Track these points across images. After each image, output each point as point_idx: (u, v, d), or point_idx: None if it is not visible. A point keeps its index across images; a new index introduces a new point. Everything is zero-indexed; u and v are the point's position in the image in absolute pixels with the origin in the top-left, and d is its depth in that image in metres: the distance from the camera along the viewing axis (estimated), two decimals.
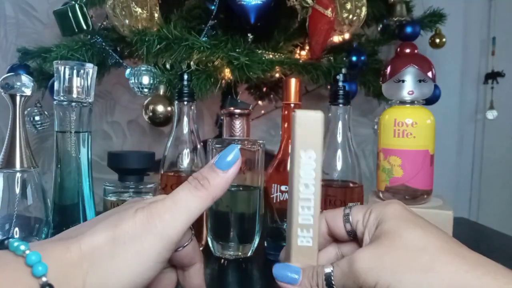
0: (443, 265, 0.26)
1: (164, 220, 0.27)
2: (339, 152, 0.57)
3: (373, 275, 0.27)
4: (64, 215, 0.52)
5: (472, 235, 0.73)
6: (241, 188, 0.57)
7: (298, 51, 0.79)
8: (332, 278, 0.29)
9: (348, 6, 0.72)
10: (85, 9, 0.68)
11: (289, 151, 0.31)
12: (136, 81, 0.66)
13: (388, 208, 0.30)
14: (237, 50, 0.66)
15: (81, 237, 0.25)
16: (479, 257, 0.27)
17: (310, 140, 0.29)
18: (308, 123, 0.29)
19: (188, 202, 0.28)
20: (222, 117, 0.60)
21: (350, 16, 0.73)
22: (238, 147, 0.30)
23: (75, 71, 0.51)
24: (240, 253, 0.57)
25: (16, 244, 0.23)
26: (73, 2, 0.68)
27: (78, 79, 0.51)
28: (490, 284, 0.25)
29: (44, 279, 0.22)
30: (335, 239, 0.34)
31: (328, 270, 0.29)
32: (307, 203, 0.30)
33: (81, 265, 0.24)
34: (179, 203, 0.28)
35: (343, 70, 0.72)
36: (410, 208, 0.31)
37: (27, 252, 0.23)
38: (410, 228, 0.28)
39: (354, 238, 0.32)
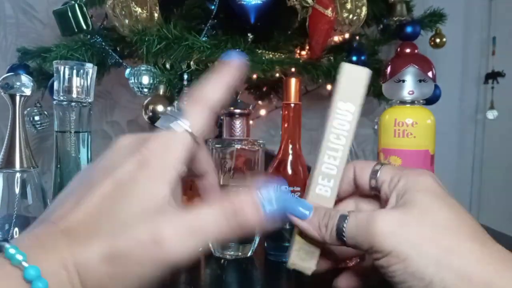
0: (467, 251, 0.25)
1: (172, 246, 0.23)
2: None
3: (391, 241, 0.26)
4: None
5: None
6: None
7: (298, 51, 0.79)
8: (345, 226, 0.28)
9: (348, 6, 0.72)
10: (84, 9, 0.68)
11: (331, 103, 0.31)
12: (136, 81, 0.66)
13: (421, 178, 0.29)
14: (237, 50, 0.66)
15: (75, 246, 0.22)
16: (503, 251, 0.26)
17: (352, 92, 0.29)
18: (354, 75, 0.29)
19: (209, 229, 0.24)
20: (222, 117, 0.60)
21: (350, 16, 0.73)
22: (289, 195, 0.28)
23: (74, 71, 0.51)
24: (240, 253, 0.57)
25: (12, 251, 0.21)
26: (73, 2, 0.68)
27: (78, 79, 0.51)
28: (508, 282, 0.24)
29: None
30: (358, 190, 0.33)
31: (343, 216, 0.28)
32: (334, 153, 0.30)
33: (81, 286, 0.23)
34: (198, 228, 0.24)
35: None
36: (440, 182, 0.30)
37: (25, 264, 0.21)
38: (443, 207, 0.27)
39: (376, 196, 0.32)
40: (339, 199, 0.33)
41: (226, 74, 0.28)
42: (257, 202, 0.26)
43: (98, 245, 0.22)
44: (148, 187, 0.24)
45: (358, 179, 0.32)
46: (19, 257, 0.21)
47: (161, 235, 0.23)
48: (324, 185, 0.30)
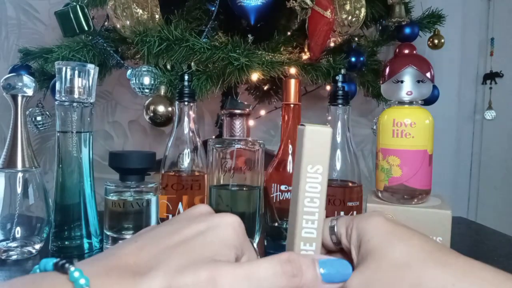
0: (429, 280, 0.26)
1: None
2: (339, 152, 0.57)
3: None
4: (66, 215, 0.53)
5: (470, 235, 0.74)
6: (241, 188, 0.57)
7: (297, 52, 0.79)
8: None
9: (347, 7, 0.73)
10: (86, 10, 0.68)
11: (295, 163, 0.31)
12: (137, 81, 0.67)
13: (369, 223, 0.30)
14: (237, 51, 0.66)
15: (139, 281, 0.23)
16: (466, 264, 0.27)
17: (318, 154, 0.29)
18: (317, 138, 0.29)
19: (265, 279, 0.24)
20: (222, 117, 0.60)
21: (349, 17, 0.74)
22: (350, 270, 0.28)
23: (76, 72, 0.51)
24: None
25: (76, 275, 0.22)
26: (75, 3, 0.68)
27: (80, 80, 0.51)
28: None
29: None
30: (325, 250, 0.34)
31: None
32: (311, 217, 0.30)
33: None
34: (254, 277, 0.24)
35: (342, 71, 0.73)
36: (392, 218, 0.31)
37: None
38: (393, 245, 0.28)
39: (342, 249, 0.32)
40: None
41: None
42: (316, 264, 0.26)
43: (160, 280, 0.23)
44: (220, 245, 0.26)
45: (322, 240, 0.32)
46: (82, 281, 0.21)
47: (218, 277, 0.23)
48: (307, 250, 0.30)
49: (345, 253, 0.32)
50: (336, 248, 0.33)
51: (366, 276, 0.27)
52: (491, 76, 1.17)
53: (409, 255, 0.27)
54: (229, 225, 0.27)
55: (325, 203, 0.30)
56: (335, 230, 0.32)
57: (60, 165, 0.52)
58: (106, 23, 0.80)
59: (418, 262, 0.27)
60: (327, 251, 0.34)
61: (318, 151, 0.29)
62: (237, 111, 0.57)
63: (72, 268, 0.22)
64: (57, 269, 0.23)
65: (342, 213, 0.54)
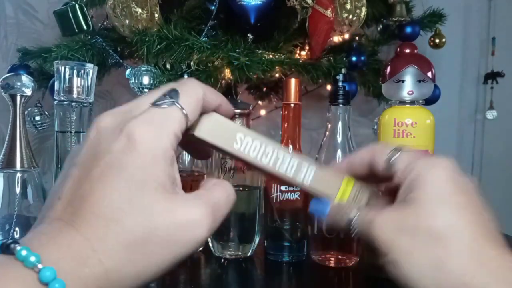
0: (455, 268, 0.25)
1: (195, 225, 0.24)
2: (339, 152, 0.57)
3: (386, 246, 0.26)
4: None
5: None
6: (241, 188, 0.57)
7: (298, 51, 0.79)
8: (352, 225, 0.29)
9: (348, 6, 0.72)
10: (85, 9, 0.68)
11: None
12: (136, 81, 0.66)
13: (433, 171, 0.28)
14: (237, 50, 0.66)
15: (94, 240, 0.21)
16: (503, 262, 0.25)
17: (228, 134, 0.29)
18: (213, 128, 0.29)
19: (223, 205, 0.26)
20: None
21: (350, 16, 0.73)
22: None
23: (75, 71, 0.51)
24: (240, 253, 0.57)
25: (24, 253, 0.20)
26: (74, 2, 0.68)
27: (79, 79, 0.51)
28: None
29: None
30: (373, 173, 0.32)
31: (352, 216, 0.29)
32: (282, 155, 0.30)
33: (100, 279, 0.21)
34: (216, 206, 0.26)
35: (343, 70, 0.72)
36: (459, 173, 0.28)
37: (39, 266, 0.20)
38: (446, 209, 0.26)
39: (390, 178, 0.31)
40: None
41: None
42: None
43: (117, 234, 0.22)
44: (146, 170, 0.23)
45: (374, 163, 0.31)
46: (32, 258, 0.20)
47: (188, 214, 0.23)
48: (303, 173, 0.31)
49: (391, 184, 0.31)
50: (384, 175, 0.31)
51: (399, 224, 0.27)
52: (493, 76, 1.17)
53: (452, 231, 0.26)
54: (151, 132, 0.24)
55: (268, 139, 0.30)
56: (392, 161, 0.30)
57: (59, 165, 0.52)
58: (105, 22, 0.79)
59: (456, 244, 0.25)
60: (373, 176, 0.32)
61: (225, 134, 0.29)
62: (237, 111, 0.56)
63: (18, 247, 0.20)
64: (4, 251, 0.21)
65: None
